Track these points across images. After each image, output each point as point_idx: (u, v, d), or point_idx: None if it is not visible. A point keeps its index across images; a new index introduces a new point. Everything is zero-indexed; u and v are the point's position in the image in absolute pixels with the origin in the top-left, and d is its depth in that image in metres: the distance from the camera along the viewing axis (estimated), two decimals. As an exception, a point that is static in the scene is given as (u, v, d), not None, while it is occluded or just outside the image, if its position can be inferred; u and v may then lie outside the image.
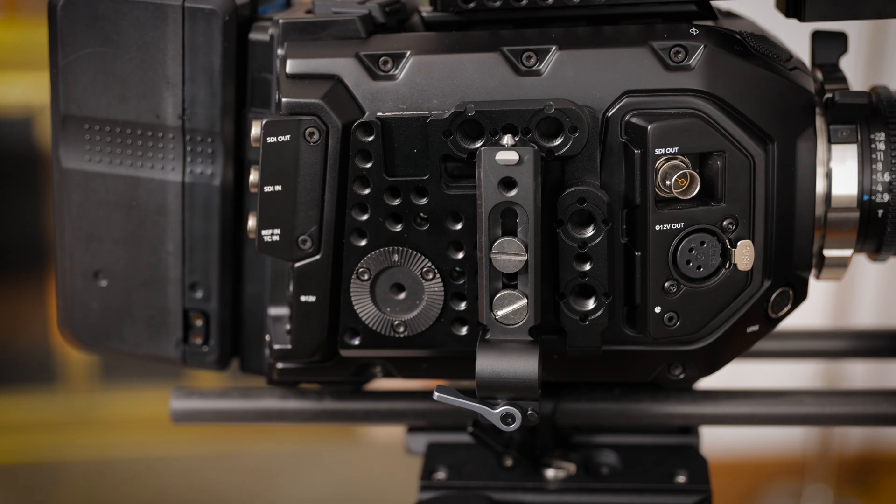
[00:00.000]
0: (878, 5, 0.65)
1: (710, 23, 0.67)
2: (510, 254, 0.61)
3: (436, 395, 0.64)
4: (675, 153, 0.62)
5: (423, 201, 0.64)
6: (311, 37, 0.66)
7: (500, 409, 0.63)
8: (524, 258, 0.61)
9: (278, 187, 0.64)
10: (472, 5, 0.66)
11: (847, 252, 0.69)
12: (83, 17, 0.69)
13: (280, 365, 0.70)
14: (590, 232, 0.63)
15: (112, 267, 0.72)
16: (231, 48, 0.69)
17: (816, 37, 0.72)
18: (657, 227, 0.63)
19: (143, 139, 0.70)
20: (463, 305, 0.66)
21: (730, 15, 0.72)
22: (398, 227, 0.65)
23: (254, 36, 0.70)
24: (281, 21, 0.66)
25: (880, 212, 0.67)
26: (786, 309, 0.68)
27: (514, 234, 0.61)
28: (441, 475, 0.77)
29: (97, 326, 0.74)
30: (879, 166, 0.67)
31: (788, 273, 0.67)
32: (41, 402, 2.48)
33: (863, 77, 2.05)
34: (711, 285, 0.65)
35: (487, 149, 0.60)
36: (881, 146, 0.67)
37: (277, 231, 0.65)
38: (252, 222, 0.68)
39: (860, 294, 2.25)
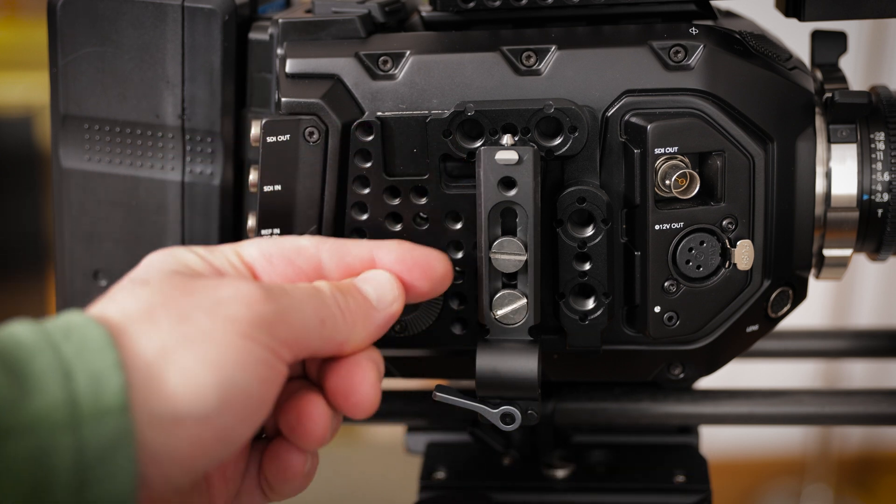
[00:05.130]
0: (878, 5, 0.65)
1: (709, 22, 0.67)
2: (510, 253, 0.61)
3: (436, 395, 0.64)
4: (674, 153, 0.62)
5: (423, 201, 0.64)
6: (311, 36, 0.66)
7: (500, 409, 0.63)
8: (524, 258, 0.61)
9: (278, 187, 0.64)
10: (471, 5, 0.66)
11: (847, 251, 0.69)
12: (83, 17, 0.69)
13: (280, 365, 0.70)
14: (589, 231, 0.63)
15: (112, 267, 0.72)
16: (231, 48, 0.69)
17: (816, 36, 0.72)
18: (657, 227, 0.63)
19: (143, 139, 0.70)
20: (462, 305, 0.66)
21: (729, 15, 0.72)
22: (398, 227, 0.65)
23: (253, 35, 0.70)
24: (280, 21, 0.66)
25: (880, 211, 0.67)
26: (785, 308, 0.68)
27: (514, 234, 0.61)
28: (441, 475, 0.77)
29: (97, 326, 0.74)
30: (879, 166, 0.67)
31: (788, 273, 0.67)
32: (41, 402, 2.48)
33: (863, 77, 2.05)
34: (711, 285, 0.65)
35: (487, 148, 0.60)
36: (881, 146, 0.67)
37: (277, 231, 0.65)
38: (252, 222, 0.68)
39: (860, 294, 2.25)
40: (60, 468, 0.45)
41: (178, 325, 0.49)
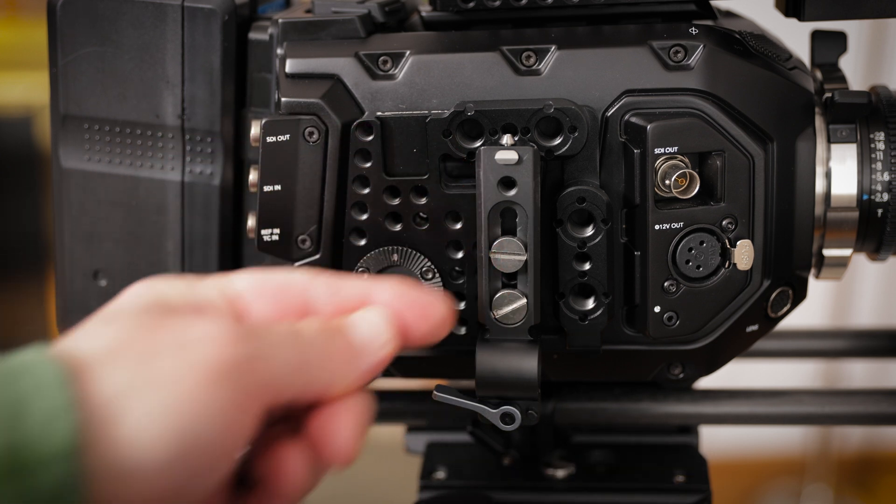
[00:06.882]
0: (878, 5, 0.65)
1: (709, 22, 0.67)
2: (509, 253, 0.61)
3: (436, 395, 0.64)
4: (674, 153, 0.62)
5: (423, 201, 0.64)
6: (311, 36, 0.66)
7: (500, 409, 0.63)
8: (524, 258, 0.61)
9: (278, 187, 0.64)
10: (471, 5, 0.66)
11: (846, 251, 0.69)
12: (83, 17, 0.69)
13: (280, 364, 0.70)
14: (589, 231, 0.63)
15: (112, 266, 0.72)
16: (231, 48, 0.69)
17: (816, 36, 0.72)
18: (656, 227, 0.63)
19: (143, 139, 0.70)
20: (462, 305, 0.66)
21: (729, 14, 0.72)
22: (397, 227, 0.65)
23: (253, 35, 0.70)
24: (280, 21, 0.66)
25: (880, 211, 0.67)
26: (785, 308, 0.68)
27: (514, 234, 0.61)
28: (440, 475, 0.77)
29: (97, 326, 0.74)
30: (879, 166, 0.67)
31: (788, 272, 0.67)
32: (41, 402, 2.48)
33: (862, 77, 2.05)
34: (711, 285, 0.65)
35: (487, 148, 0.60)
36: (881, 146, 0.67)
37: (277, 230, 0.65)
38: (251, 222, 0.68)
39: (860, 293, 2.25)
40: None
41: (140, 367, 0.46)
